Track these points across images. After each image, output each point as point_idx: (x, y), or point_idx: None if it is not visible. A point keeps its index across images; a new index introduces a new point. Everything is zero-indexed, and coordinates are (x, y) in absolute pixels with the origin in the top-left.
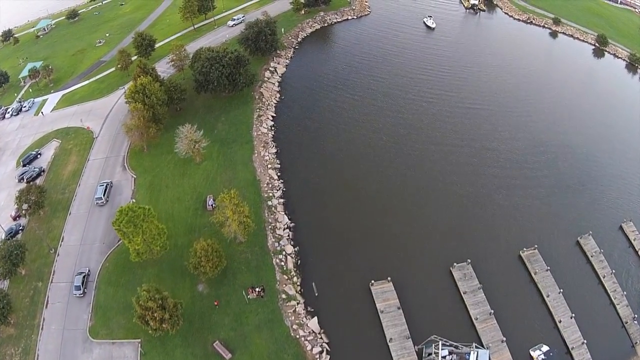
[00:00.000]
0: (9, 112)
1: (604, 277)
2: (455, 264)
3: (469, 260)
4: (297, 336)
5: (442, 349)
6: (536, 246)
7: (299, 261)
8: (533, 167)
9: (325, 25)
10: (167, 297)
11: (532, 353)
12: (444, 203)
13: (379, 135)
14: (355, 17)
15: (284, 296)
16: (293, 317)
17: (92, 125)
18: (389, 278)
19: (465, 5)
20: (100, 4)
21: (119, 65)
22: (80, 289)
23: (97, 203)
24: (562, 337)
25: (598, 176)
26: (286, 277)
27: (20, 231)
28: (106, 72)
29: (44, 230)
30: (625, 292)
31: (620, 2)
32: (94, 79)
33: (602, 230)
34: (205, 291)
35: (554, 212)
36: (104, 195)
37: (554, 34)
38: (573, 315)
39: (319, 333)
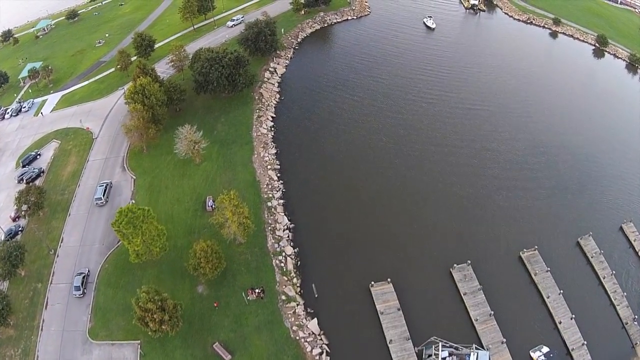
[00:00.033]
0: (8, 113)
1: (604, 278)
2: (455, 265)
3: (469, 261)
4: (297, 337)
5: (442, 350)
6: (536, 247)
7: (299, 262)
8: (533, 167)
9: (325, 25)
10: (167, 299)
11: (532, 354)
12: (444, 204)
13: (378, 136)
14: (355, 17)
15: (283, 297)
16: (293, 319)
17: (92, 125)
18: (388, 279)
19: (465, 6)
20: (100, 4)
21: (118, 66)
22: (79, 289)
23: (96, 203)
24: (562, 338)
25: (598, 177)
26: (286, 279)
27: (19, 232)
28: (106, 73)
29: (44, 231)
30: (625, 293)
31: (620, 2)
32: (93, 79)
33: (602, 231)
34: (205, 292)
35: (554, 213)
36: (103, 195)
37: (554, 34)
38: (573, 316)
39: (319, 334)
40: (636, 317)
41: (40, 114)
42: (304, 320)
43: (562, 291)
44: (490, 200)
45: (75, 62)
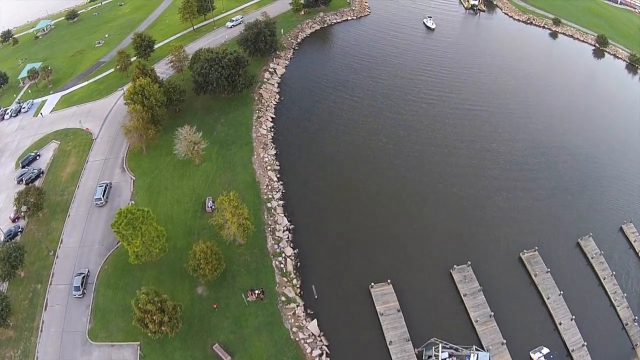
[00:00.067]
0: (8, 113)
1: (604, 279)
2: (455, 266)
3: (469, 262)
4: (297, 339)
5: (442, 352)
6: (536, 248)
7: (299, 263)
8: (533, 168)
9: (325, 26)
10: (166, 300)
11: (532, 355)
12: (444, 205)
13: (378, 137)
14: (354, 17)
15: (283, 299)
16: (293, 320)
17: (91, 126)
18: (388, 280)
19: (465, 6)
20: (100, 4)
21: (118, 66)
22: (79, 290)
23: (96, 204)
24: (563, 339)
25: (598, 177)
26: (286, 280)
27: (19, 233)
28: (105, 73)
29: (43, 232)
30: (625, 294)
31: (620, 2)
32: (93, 80)
33: (602, 231)
34: (205, 294)
35: (554, 213)
36: (103, 195)
37: (554, 35)
38: (573, 317)
39: (319, 336)
40: (636, 318)
41: (39, 115)
42: (304, 322)
43: (562, 292)
44: (490, 201)
45: (75, 63)
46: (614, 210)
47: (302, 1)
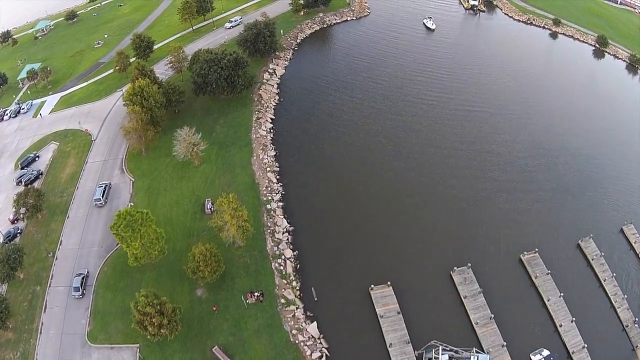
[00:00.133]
0: (7, 114)
1: (604, 281)
2: (455, 268)
3: (469, 264)
4: (297, 341)
5: (442, 354)
6: (537, 250)
7: (298, 265)
8: (533, 169)
9: (325, 26)
10: (166, 303)
11: (532, 357)
12: (444, 206)
13: (378, 138)
14: (354, 18)
15: (283, 301)
16: (292, 322)
17: (90, 127)
18: (388, 282)
19: (465, 6)
20: (99, 5)
21: (117, 67)
22: (79, 290)
23: (95, 204)
24: (563, 341)
25: (598, 178)
26: (285, 282)
27: (18, 235)
28: (105, 74)
29: (42, 233)
30: (626, 296)
31: (620, 2)
32: (92, 80)
33: (602, 233)
34: (204, 296)
35: (554, 215)
36: (102, 196)
37: (554, 35)
38: (574, 319)
39: (319, 338)
40: (637, 319)
41: (39, 116)
42: (304, 324)
43: (562, 294)
44: (490, 202)
45: (74, 63)
46: (615, 212)
47: (302, 2)
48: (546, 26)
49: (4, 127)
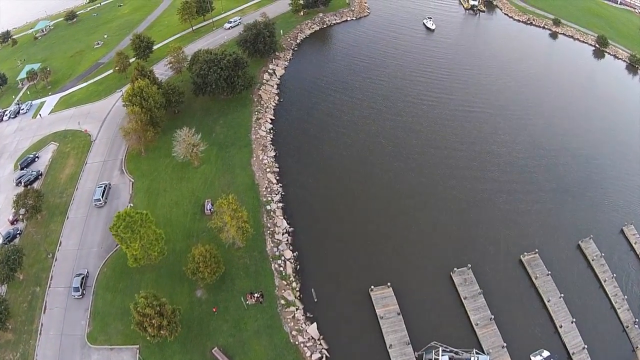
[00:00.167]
0: (6, 115)
1: (604, 281)
2: (455, 268)
3: (469, 265)
4: (296, 342)
5: (442, 355)
6: (537, 250)
7: (298, 266)
8: (533, 170)
9: (324, 26)
10: (165, 304)
11: (532, 358)
12: (444, 207)
13: (378, 139)
14: (354, 18)
15: (282, 302)
16: (292, 323)
17: (90, 128)
18: (388, 283)
19: (465, 7)
20: (99, 5)
21: (117, 68)
22: (79, 290)
23: (95, 204)
24: (563, 342)
25: (599, 179)
26: (285, 283)
27: (17, 235)
28: (104, 74)
29: (42, 234)
30: (626, 296)
31: (620, 2)
32: (92, 81)
33: (603, 233)
34: (204, 297)
35: (554, 215)
36: (102, 196)
37: (554, 35)
38: (574, 320)
39: (318, 339)
40: (637, 320)
41: (38, 116)
42: (304, 325)
43: (562, 295)
44: (490, 203)
45: (74, 64)
46: (615, 212)
47: (302, 2)
48: (546, 26)
49: (4, 128)
